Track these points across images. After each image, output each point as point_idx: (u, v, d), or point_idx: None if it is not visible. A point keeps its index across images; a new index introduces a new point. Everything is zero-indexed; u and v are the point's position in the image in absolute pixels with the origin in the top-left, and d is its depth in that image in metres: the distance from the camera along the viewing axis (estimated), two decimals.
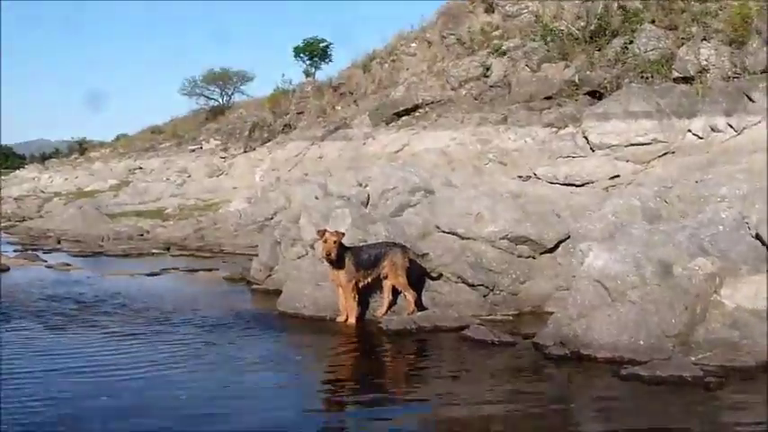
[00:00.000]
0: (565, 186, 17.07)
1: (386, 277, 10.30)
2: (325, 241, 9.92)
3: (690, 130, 17.39)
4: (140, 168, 43.64)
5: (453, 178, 15.21)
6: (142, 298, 12.48)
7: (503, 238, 11.17)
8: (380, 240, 10.85)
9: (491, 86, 23.06)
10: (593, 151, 18.16)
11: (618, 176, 17.17)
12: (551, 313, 10.60)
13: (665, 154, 17.53)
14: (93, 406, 6.68)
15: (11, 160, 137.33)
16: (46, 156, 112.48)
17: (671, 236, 9.06)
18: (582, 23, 22.67)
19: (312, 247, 12.74)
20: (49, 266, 17.06)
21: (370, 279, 10.24)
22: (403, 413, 6.64)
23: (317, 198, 13.75)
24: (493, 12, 27.03)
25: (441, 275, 10.92)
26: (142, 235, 24.52)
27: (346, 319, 10.14)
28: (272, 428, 6.26)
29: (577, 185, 17.11)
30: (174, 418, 6.43)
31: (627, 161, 17.56)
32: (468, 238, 11.20)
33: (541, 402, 7.03)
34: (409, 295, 10.30)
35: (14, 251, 20.38)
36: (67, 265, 17.17)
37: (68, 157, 69.26)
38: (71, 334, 9.85)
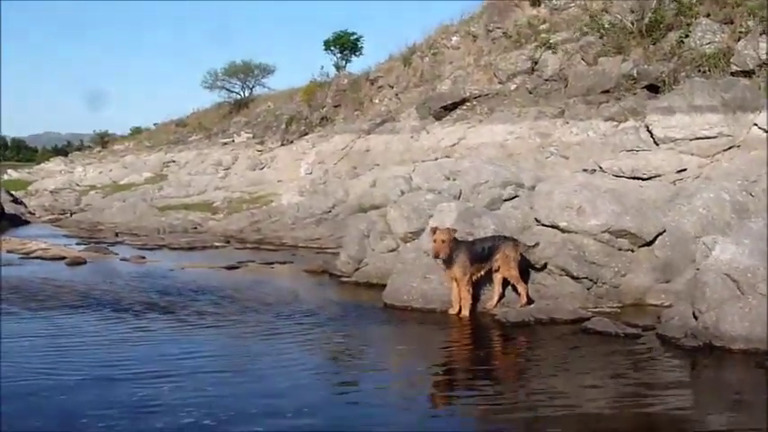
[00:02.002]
0: (632, 180, 17.22)
1: (497, 270, 10.48)
2: (435, 241, 10.07)
3: (756, 124, 17.48)
4: (173, 161, 43.91)
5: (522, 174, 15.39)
6: (240, 290, 12.67)
7: (604, 232, 11.33)
8: (488, 234, 11.03)
9: (546, 80, 23.16)
10: (658, 145, 18.26)
11: (685, 170, 17.28)
12: (654, 305, 10.92)
13: (730, 148, 17.63)
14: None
15: (23, 153, 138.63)
16: (59, 149, 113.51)
17: None
18: (635, 17, 22.75)
19: (404, 240, 12.97)
20: (123, 259, 17.27)
21: (483, 272, 10.42)
22: (554, 409, 6.66)
23: (402, 192, 13.89)
24: (539, 5, 27.11)
25: (545, 265, 11.09)
26: (196, 228, 24.79)
27: (459, 311, 10.30)
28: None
29: (644, 179, 17.25)
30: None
31: (692, 155, 17.64)
32: (570, 231, 11.37)
33: (696, 394, 7.22)
34: (521, 288, 10.49)
35: (77, 244, 20.59)
36: (142, 257, 17.39)
37: (92, 150, 69.80)
38: (206, 329, 9.95)
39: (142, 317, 10.48)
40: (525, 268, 11.02)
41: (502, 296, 10.70)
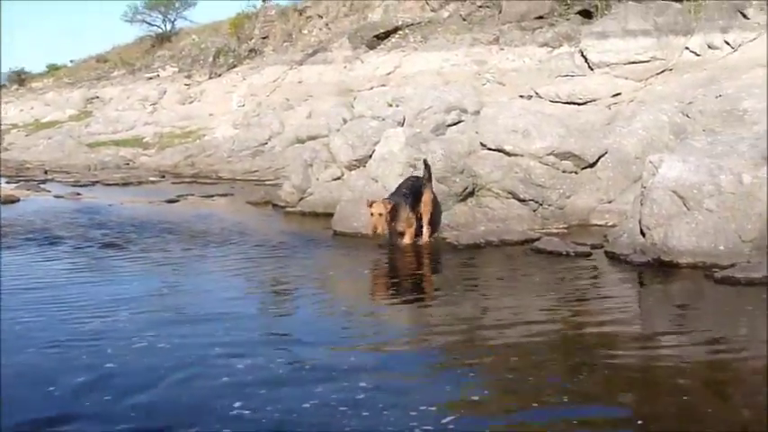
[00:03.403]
0: (568, 105, 17.44)
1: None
2: (372, 215, 9.52)
3: (687, 48, 17.77)
4: (97, 98, 42.71)
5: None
6: (184, 223, 12.54)
7: (549, 154, 11.47)
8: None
9: (479, 6, 23.11)
10: (593, 70, 18.45)
11: (619, 94, 17.52)
12: (599, 225, 11.16)
13: (663, 71, 17.92)
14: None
15: None
16: None
17: (733, 147, 9.42)
18: None
19: (349, 168, 12.94)
20: (57, 196, 16.89)
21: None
22: (500, 322, 6.77)
23: (344, 120, 13.80)
24: None
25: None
26: (128, 164, 24.32)
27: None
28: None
29: (580, 104, 17.47)
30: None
31: (627, 79, 17.88)
32: (516, 155, 11.48)
33: (645, 305, 7.46)
34: (428, 228, 10.37)
35: (7, 183, 20.03)
36: (78, 194, 17.02)
37: (9, 89, 67.45)
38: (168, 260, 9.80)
39: (85, 253, 10.26)
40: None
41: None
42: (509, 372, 5.30)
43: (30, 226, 12.29)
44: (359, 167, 12.53)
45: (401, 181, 10.45)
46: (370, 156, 12.28)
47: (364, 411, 4.59)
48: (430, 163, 10.62)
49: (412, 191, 10.09)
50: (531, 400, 4.75)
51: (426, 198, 10.19)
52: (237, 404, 4.70)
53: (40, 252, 10.29)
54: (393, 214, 9.63)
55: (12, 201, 16.04)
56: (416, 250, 10.02)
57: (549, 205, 11.31)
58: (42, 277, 8.68)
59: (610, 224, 10.85)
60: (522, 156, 11.47)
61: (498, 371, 5.35)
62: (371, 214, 9.52)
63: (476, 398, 4.83)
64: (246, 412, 4.61)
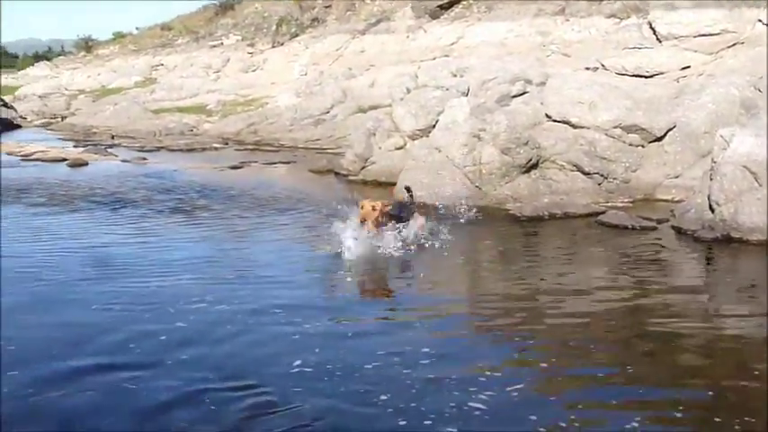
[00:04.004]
0: (634, 77, 17.12)
1: None
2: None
3: (760, 20, 17.30)
4: (162, 65, 43.29)
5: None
6: (248, 190, 12.67)
7: (615, 127, 11.31)
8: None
9: None
10: (661, 42, 18.09)
11: (688, 67, 17.13)
12: (665, 200, 10.98)
13: (734, 44, 17.48)
14: None
15: (3, 59, 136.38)
16: (39, 55, 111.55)
17: None
18: None
19: (411, 137, 12.93)
20: (124, 160, 17.18)
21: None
22: (566, 294, 6.74)
23: (408, 90, 13.75)
24: None
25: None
26: (191, 130, 24.59)
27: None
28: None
29: (647, 77, 17.13)
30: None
31: (695, 52, 17.49)
32: (581, 127, 11.35)
33: (712, 280, 7.35)
34: None
35: (75, 147, 20.44)
36: (144, 159, 17.30)
37: (76, 55, 68.61)
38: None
39: (151, 218, 10.44)
40: None
41: None
42: (569, 340, 5.30)
43: (98, 189, 12.56)
44: (422, 137, 12.50)
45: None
46: (434, 125, 12.26)
47: (427, 371, 4.66)
48: (497, 131, 10.54)
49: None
50: (590, 371, 4.76)
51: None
52: (298, 362, 4.86)
53: (107, 215, 10.50)
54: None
55: (81, 164, 16.40)
56: (479, 222, 9.99)
57: (614, 179, 11.17)
58: (109, 242, 8.88)
59: (676, 199, 10.67)
60: (587, 128, 11.33)
61: (558, 339, 5.35)
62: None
63: (544, 364, 4.87)
64: (308, 369, 4.77)
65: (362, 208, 8.18)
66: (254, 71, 32.79)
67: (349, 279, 7.23)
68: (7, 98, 37.25)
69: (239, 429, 4.02)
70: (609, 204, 10.64)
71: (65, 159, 16.88)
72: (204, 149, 19.90)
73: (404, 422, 4.07)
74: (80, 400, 4.37)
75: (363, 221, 8.10)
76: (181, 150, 19.78)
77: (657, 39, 18.16)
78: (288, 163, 16.68)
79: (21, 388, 4.50)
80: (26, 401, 4.34)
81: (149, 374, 4.71)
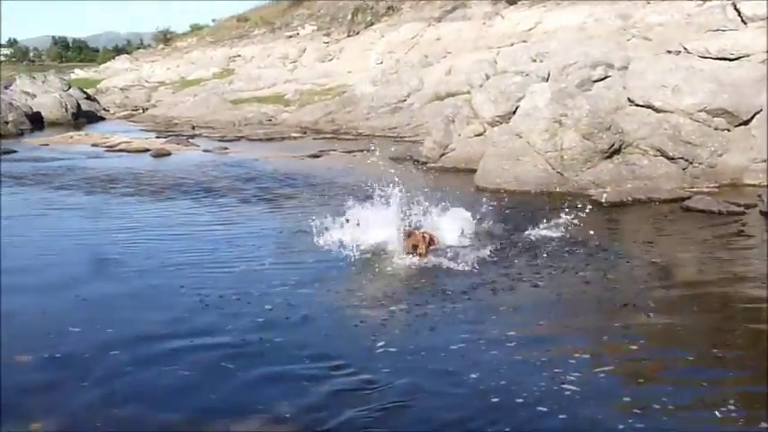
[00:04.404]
0: (718, 61, 16.73)
1: None
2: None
3: None
4: (239, 56, 43.94)
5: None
6: (328, 178, 12.82)
7: (700, 111, 11.11)
8: None
9: None
10: (746, 24, 17.60)
11: None
12: (752, 185, 10.75)
13: None
14: None
15: (84, 53, 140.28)
16: (119, 48, 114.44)
17: None
18: None
19: (491, 124, 12.91)
20: (206, 150, 17.52)
21: None
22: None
23: (486, 76, 13.73)
24: None
25: None
26: (270, 120, 24.94)
27: None
28: None
29: (731, 59, 16.73)
30: None
31: None
32: (665, 111, 11.17)
33: None
34: None
35: (157, 137, 20.91)
36: (225, 149, 17.62)
37: (155, 48, 70.13)
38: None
39: (233, 206, 10.63)
40: None
41: None
42: (657, 324, 5.27)
43: (181, 179, 12.84)
44: (501, 123, 12.47)
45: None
46: (514, 111, 12.21)
47: (514, 353, 4.70)
48: (579, 116, 10.50)
49: None
50: (680, 353, 4.73)
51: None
52: (381, 343, 4.96)
53: (194, 204, 10.73)
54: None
55: (164, 154, 16.79)
56: (558, 206, 9.92)
57: (700, 163, 10.98)
58: (195, 229, 9.10)
59: (764, 184, 10.46)
60: (671, 112, 11.15)
61: (646, 322, 5.32)
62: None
63: (634, 346, 4.86)
64: (392, 349, 4.86)
65: (410, 236, 7.47)
66: (330, 60, 33.07)
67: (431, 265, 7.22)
68: (90, 91, 38.37)
69: (330, 407, 4.10)
70: (694, 190, 10.47)
71: (148, 150, 17.30)
72: (283, 139, 20.17)
73: (496, 400, 4.11)
74: (177, 378, 4.52)
75: (415, 248, 7.31)
76: (260, 140, 20.08)
77: (742, 20, 17.67)
78: (366, 151, 16.75)
79: (121, 366, 4.67)
80: (126, 380, 4.51)
81: (242, 353, 4.84)
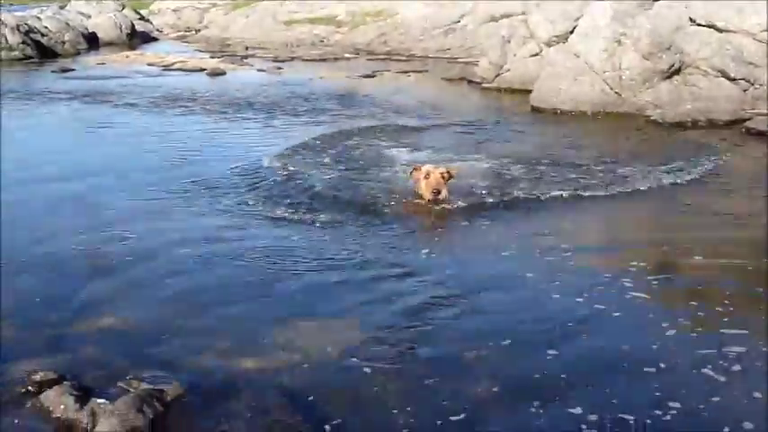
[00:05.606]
0: None
1: None
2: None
3: None
4: None
5: None
6: (383, 97, 12.81)
7: (764, 31, 10.84)
8: None
9: None
10: None
11: None
12: None
13: None
14: None
15: None
16: None
17: None
18: None
19: (548, 44, 12.77)
20: (260, 70, 17.59)
21: None
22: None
23: None
24: None
25: None
26: (322, 41, 24.87)
27: None
28: None
29: None
30: None
31: None
32: (728, 31, 10.93)
33: None
34: None
35: (211, 57, 21.00)
36: (279, 68, 17.67)
37: None
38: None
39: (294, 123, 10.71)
40: None
41: None
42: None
43: (239, 97, 12.92)
44: (558, 43, 12.32)
45: None
46: (571, 31, 12.06)
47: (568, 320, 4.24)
48: (639, 35, 10.37)
49: None
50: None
51: None
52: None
53: (256, 121, 10.76)
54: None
55: (219, 73, 16.89)
56: (614, 126, 9.90)
57: (761, 85, 10.75)
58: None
59: None
60: (734, 32, 10.90)
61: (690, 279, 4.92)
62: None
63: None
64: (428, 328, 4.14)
65: (428, 176, 6.28)
66: None
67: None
68: (143, 12, 38.43)
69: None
70: (755, 111, 10.31)
71: (203, 69, 17.41)
72: (336, 59, 20.15)
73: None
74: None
75: (437, 193, 6.20)
76: (313, 60, 20.07)
77: None
78: (420, 72, 16.75)
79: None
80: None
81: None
